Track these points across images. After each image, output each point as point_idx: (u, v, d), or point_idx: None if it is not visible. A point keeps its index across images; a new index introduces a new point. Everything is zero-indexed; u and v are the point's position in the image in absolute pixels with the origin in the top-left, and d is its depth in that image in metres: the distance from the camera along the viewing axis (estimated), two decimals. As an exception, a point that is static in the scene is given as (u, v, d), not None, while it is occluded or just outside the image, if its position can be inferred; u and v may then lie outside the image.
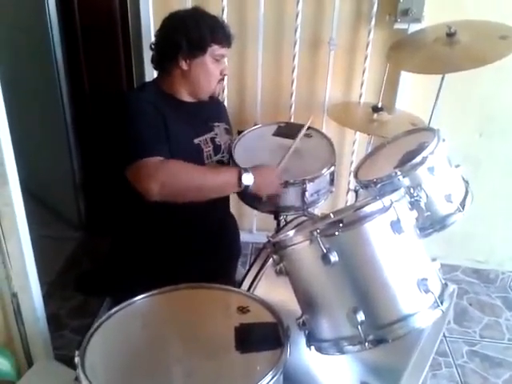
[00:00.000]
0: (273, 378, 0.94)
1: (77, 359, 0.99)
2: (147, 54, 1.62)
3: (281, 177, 1.51)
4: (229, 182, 1.43)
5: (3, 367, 1.29)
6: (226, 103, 2.21)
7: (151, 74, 1.93)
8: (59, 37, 2.39)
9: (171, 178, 1.35)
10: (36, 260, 1.51)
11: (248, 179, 1.42)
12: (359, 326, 0.96)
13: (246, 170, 1.43)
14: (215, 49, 1.52)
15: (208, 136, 1.60)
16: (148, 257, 1.61)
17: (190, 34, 1.47)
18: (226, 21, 1.82)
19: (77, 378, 0.97)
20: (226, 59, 1.60)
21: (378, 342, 0.97)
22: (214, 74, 1.55)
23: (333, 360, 1.17)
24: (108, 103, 1.57)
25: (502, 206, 2.42)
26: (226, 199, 1.75)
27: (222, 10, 2.09)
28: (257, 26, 2.14)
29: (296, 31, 2.13)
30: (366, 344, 0.97)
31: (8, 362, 1.30)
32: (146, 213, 1.55)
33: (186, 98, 1.59)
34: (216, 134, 1.63)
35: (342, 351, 1.02)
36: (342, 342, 1.01)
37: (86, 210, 2.78)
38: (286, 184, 1.52)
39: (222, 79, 1.60)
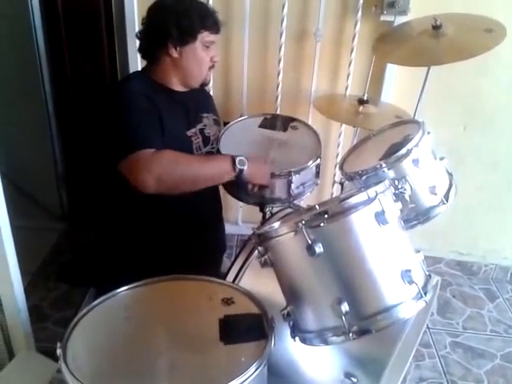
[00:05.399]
0: (257, 369, 0.94)
1: (59, 351, 0.98)
2: (131, 43, 1.59)
3: (270, 168, 1.51)
4: (223, 169, 1.43)
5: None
6: (211, 94, 2.19)
7: (135, 62, 1.91)
8: (41, 22, 2.34)
9: (166, 169, 1.34)
10: (17, 251, 1.49)
11: (242, 163, 1.42)
12: (343, 317, 0.96)
13: (239, 156, 1.43)
14: (205, 35, 1.50)
15: (197, 127, 1.59)
16: (132, 248, 1.59)
17: (180, 21, 1.45)
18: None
19: (59, 370, 0.96)
20: (215, 46, 1.57)
21: (362, 332, 0.97)
22: (205, 60, 1.54)
23: (317, 351, 1.17)
24: (96, 94, 1.54)
25: (485, 198, 2.44)
26: (214, 192, 1.73)
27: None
28: (243, 16, 2.12)
29: (282, 22, 2.11)
30: (350, 335, 0.97)
31: None
32: (131, 204, 1.53)
33: (177, 87, 1.57)
34: (205, 126, 1.62)
35: (326, 342, 1.02)
36: (327, 333, 1.01)
37: (68, 201, 2.75)
38: (272, 176, 1.52)
39: (213, 66, 1.58)
